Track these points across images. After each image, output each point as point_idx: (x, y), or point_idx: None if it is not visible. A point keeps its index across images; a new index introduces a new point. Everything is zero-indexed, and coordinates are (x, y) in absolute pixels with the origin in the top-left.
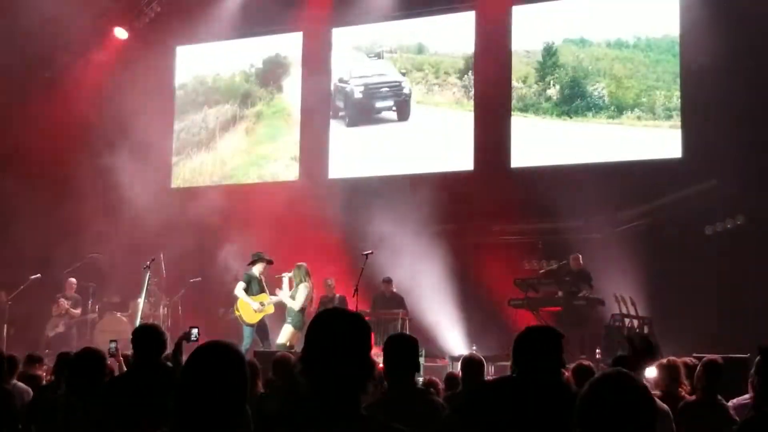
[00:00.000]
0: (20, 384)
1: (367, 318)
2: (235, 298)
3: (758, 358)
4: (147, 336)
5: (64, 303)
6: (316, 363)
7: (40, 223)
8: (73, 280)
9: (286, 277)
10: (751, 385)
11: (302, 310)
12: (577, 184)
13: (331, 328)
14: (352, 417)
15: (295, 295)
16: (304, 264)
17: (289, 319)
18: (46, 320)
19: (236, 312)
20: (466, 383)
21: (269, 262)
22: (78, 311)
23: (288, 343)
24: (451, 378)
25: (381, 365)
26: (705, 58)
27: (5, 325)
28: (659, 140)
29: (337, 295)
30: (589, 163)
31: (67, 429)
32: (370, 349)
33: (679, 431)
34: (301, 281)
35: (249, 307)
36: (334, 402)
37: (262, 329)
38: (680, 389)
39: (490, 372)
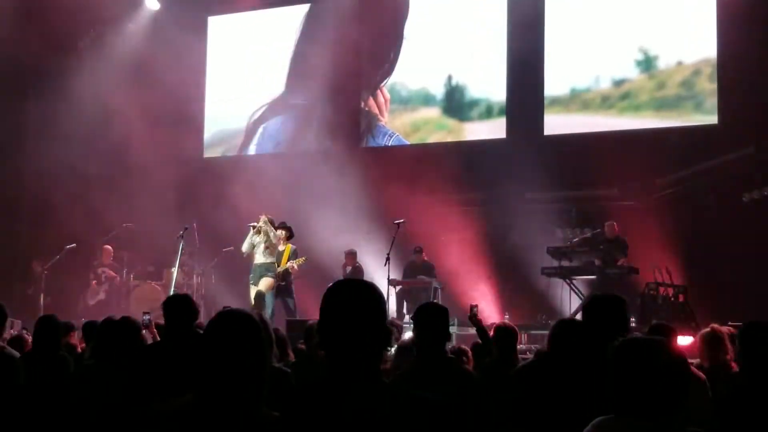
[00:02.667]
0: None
1: (398, 286)
2: None
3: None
4: (178, 305)
5: (109, 271)
6: (331, 334)
7: (75, 192)
8: (109, 247)
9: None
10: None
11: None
12: (611, 150)
13: (344, 300)
14: (371, 386)
15: (270, 249)
16: (268, 215)
17: (269, 275)
18: (83, 289)
19: None
20: (500, 352)
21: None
22: (118, 277)
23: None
24: (477, 346)
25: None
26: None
27: (41, 295)
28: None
29: (357, 264)
30: (624, 130)
31: (98, 397)
32: (384, 317)
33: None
34: (268, 233)
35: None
36: (351, 372)
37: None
38: (727, 358)
39: (522, 340)
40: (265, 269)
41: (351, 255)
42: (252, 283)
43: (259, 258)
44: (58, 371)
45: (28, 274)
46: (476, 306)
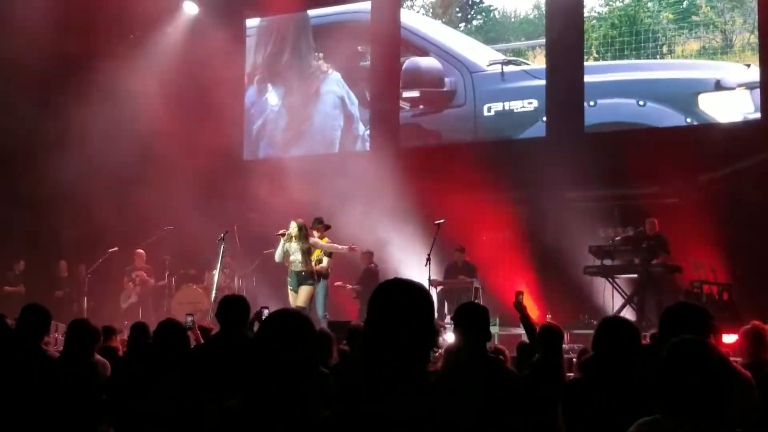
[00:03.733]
0: (98, 357)
1: (439, 287)
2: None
3: None
4: (232, 307)
5: (143, 274)
6: (378, 335)
7: (114, 195)
8: (142, 251)
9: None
10: None
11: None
12: (653, 147)
13: (393, 300)
14: (416, 388)
15: (304, 258)
16: (301, 221)
17: (309, 282)
18: (118, 293)
19: None
20: (544, 352)
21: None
22: (152, 281)
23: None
24: (523, 346)
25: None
26: None
27: (85, 298)
28: (737, 101)
29: (372, 264)
30: (666, 127)
31: (148, 400)
32: (432, 318)
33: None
34: (302, 239)
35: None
36: (397, 373)
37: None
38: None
39: (565, 340)
40: (304, 278)
41: (366, 255)
42: (291, 289)
43: (297, 266)
44: (88, 376)
45: (55, 276)
46: (522, 293)
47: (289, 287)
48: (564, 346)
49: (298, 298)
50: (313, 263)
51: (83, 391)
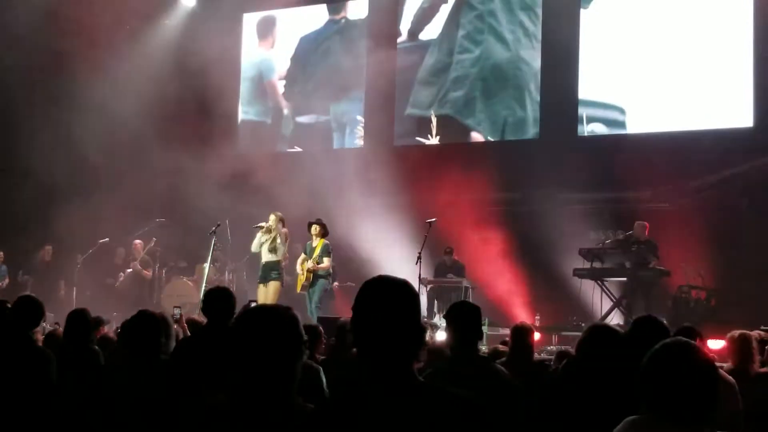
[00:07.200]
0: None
1: (430, 285)
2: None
3: None
4: (217, 299)
5: (136, 265)
6: (364, 332)
7: (106, 186)
8: (139, 242)
9: (260, 228)
10: None
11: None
12: (645, 152)
13: (379, 297)
14: (406, 385)
15: (276, 246)
16: (279, 213)
17: (274, 274)
18: (113, 283)
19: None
20: (513, 349)
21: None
22: (149, 273)
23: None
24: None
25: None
26: None
27: (74, 288)
28: (730, 108)
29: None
30: (658, 132)
31: (126, 392)
32: (419, 316)
33: (749, 403)
34: (278, 231)
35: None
36: (386, 371)
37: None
38: (753, 363)
39: (553, 341)
40: (270, 269)
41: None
42: (259, 282)
43: (265, 256)
44: (90, 365)
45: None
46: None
47: (258, 280)
48: (551, 347)
49: (268, 294)
50: (284, 258)
51: (87, 378)
